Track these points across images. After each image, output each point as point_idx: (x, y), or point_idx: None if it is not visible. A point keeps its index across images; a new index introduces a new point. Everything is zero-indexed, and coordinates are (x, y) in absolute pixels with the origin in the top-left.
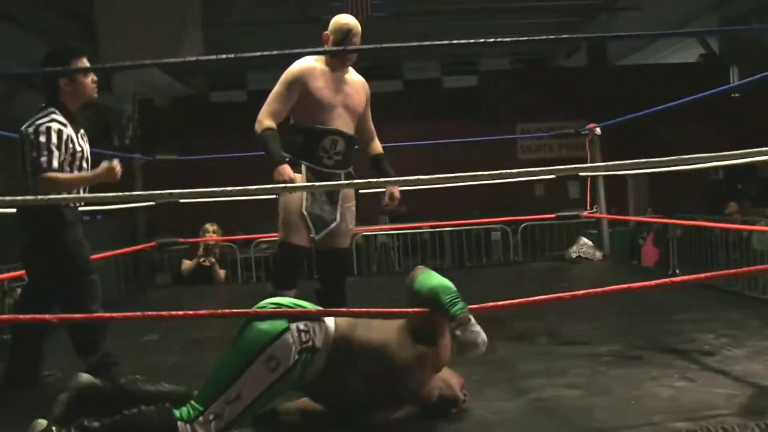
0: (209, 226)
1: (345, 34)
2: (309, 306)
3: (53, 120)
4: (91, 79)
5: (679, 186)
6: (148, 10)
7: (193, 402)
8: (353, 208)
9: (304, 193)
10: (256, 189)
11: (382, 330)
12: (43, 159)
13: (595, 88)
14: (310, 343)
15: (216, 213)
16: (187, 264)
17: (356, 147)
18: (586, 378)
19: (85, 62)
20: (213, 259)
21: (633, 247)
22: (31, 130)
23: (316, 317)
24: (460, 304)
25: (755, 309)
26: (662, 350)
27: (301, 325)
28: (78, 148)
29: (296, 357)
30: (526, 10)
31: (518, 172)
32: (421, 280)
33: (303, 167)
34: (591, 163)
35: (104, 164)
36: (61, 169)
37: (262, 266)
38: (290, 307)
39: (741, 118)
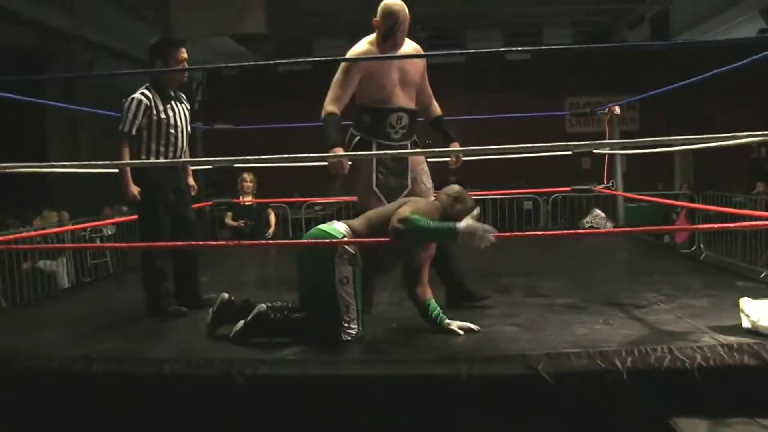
0: (246, 175)
1: (393, 22)
2: (340, 229)
3: (140, 92)
4: (182, 66)
5: (723, 164)
6: None
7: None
8: (426, 169)
9: (374, 171)
10: (295, 157)
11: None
12: (121, 124)
13: (649, 63)
14: (351, 253)
15: (277, 175)
16: (228, 217)
17: (419, 118)
18: (530, 320)
19: (182, 53)
20: (251, 199)
21: (666, 222)
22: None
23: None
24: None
25: (708, 274)
26: (606, 303)
27: (341, 249)
28: (162, 116)
29: (352, 268)
30: None
31: (533, 147)
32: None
33: (374, 144)
34: (609, 139)
35: (129, 192)
36: (137, 133)
37: (313, 226)
38: (330, 234)
39: None
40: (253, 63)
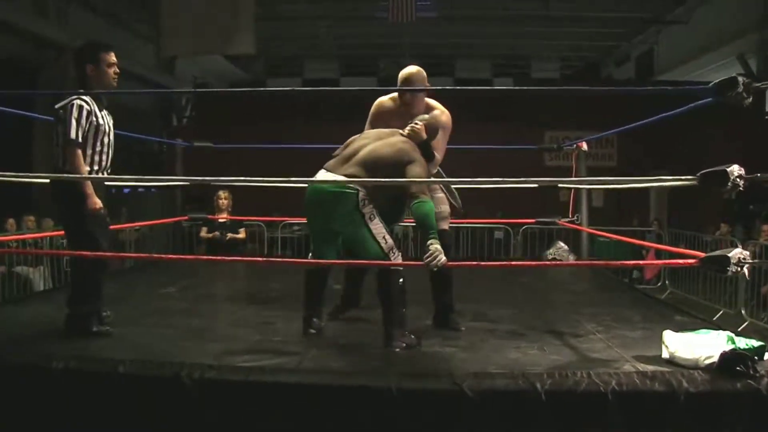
0: (221, 193)
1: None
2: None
3: (77, 98)
4: (113, 70)
5: (697, 202)
6: (206, 6)
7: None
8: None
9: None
10: (260, 180)
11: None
12: (68, 130)
13: (630, 99)
14: (365, 194)
15: (255, 193)
16: (203, 231)
17: None
18: (469, 343)
19: (112, 56)
20: (225, 216)
21: (635, 258)
22: (58, 106)
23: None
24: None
25: (652, 309)
26: (545, 330)
27: (359, 193)
28: (100, 122)
29: (371, 205)
30: (577, 19)
31: (502, 180)
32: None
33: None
34: (574, 175)
35: (93, 203)
36: (83, 140)
37: (288, 245)
38: (342, 187)
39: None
40: (230, 90)
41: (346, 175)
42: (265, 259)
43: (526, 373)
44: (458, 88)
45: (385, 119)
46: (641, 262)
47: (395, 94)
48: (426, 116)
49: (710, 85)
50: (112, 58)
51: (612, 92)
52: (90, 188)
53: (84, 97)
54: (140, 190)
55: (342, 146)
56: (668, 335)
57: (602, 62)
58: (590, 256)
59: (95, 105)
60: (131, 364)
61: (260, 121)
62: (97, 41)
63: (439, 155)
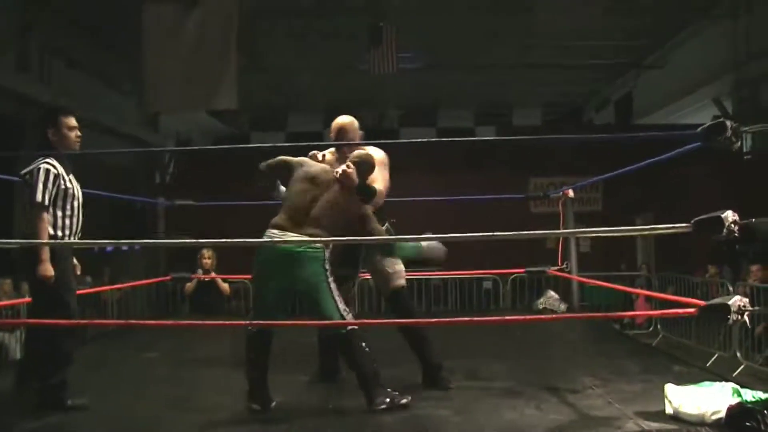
0: (205, 251)
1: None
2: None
3: (43, 162)
4: (75, 134)
5: (685, 244)
6: (188, 62)
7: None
8: None
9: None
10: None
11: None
12: (34, 194)
13: (614, 145)
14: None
15: (241, 250)
16: (189, 286)
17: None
18: (463, 404)
19: (72, 120)
20: (212, 273)
21: (626, 302)
22: (24, 172)
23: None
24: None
25: (649, 358)
26: (542, 387)
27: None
28: (69, 185)
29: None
30: (554, 66)
31: (484, 236)
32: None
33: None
34: (562, 223)
35: (45, 270)
36: (51, 204)
37: None
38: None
39: (752, 179)
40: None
41: (308, 236)
42: (243, 322)
43: None
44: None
45: None
46: (639, 313)
47: (333, 149)
48: (355, 153)
49: (698, 130)
50: (73, 121)
51: (600, 139)
52: (46, 254)
53: (50, 161)
54: (124, 248)
55: (272, 164)
56: (671, 389)
57: (583, 108)
58: (580, 303)
59: (62, 168)
60: None
61: (244, 176)
62: (58, 106)
63: (381, 186)
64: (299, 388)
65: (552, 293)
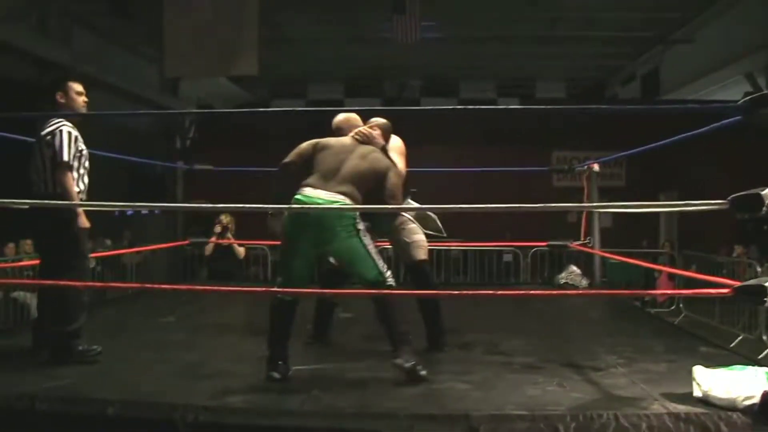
0: (222, 217)
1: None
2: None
3: (64, 124)
4: (82, 99)
5: (708, 222)
6: (209, 27)
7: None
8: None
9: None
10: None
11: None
12: (60, 153)
13: (638, 119)
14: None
15: (260, 215)
16: (208, 248)
17: None
18: (483, 378)
19: (79, 86)
20: (229, 235)
21: (648, 279)
22: (45, 132)
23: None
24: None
25: (674, 338)
26: (563, 364)
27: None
28: (82, 147)
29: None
30: (580, 39)
31: (507, 207)
32: None
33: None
34: (586, 197)
35: (83, 222)
36: (72, 161)
37: None
38: (335, 201)
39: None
40: (227, 111)
41: (339, 193)
42: (261, 289)
43: (548, 414)
44: (464, 107)
45: None
46: (666, 291)
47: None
48: (379, 120)
49: (740, 102)
50: (79, 87)
51: (633, 111)
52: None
53: (68, 123)
54: (144, 212)
55: (296, 154)
56: (699, 371)
57: (607, 82)
58: (602, 279)
59: (76, 130)
60: (121, 405)
61: (264, 142)
62: (65, 73)
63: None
64: (316, 357)
65: (574, 268)
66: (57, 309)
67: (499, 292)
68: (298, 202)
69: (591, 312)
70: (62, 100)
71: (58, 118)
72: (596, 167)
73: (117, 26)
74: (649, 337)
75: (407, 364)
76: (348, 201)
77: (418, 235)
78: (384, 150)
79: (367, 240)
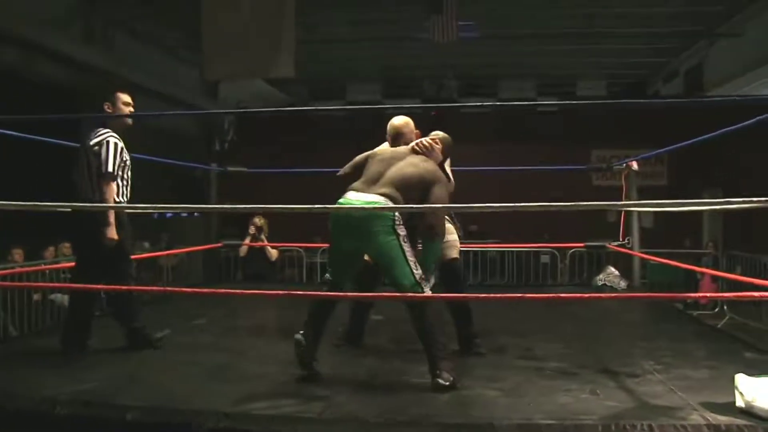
0: (256, 219)
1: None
2: (379, 199)
3: (111, 135)
4: (129, 109)
5: (755, 221)
6: (246, 29)
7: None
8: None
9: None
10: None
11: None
12: (105, 164)
13: (680, 116)
14: (400, 219)
15: (295, 217)
16: (243, 250)
17: None
18: (514, 384)
19: (126, 97)
20: (263, 237)
21: (689, 280)
22: (93, 143)
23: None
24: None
25: (716, 342)
26: (598, 369)
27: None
28: (126, 157)
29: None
30: (621, 35)
31: (543, 206)
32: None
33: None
34: (625, 196)
35: (112, 234)
36: (116, 172)
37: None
38: (376, 202)
39: None
40: (260, 110)
41: (379, 194)
42: (292, 292)
43: (578, 424)
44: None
45: None
46: (710, 294)
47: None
48: (440, 133)
49: None
50: (127, 98)
51: (698, 104)
52: (113, 218)
53: (115, 134)
54: (183, 214)
55: (351, 165)
56: (743, 380)
57: (649, 79)
58: (641, 280)
59: (121, 141)
60: (140, 411)
61: (302, 144)
62: (115, 83)
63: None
64: (344, 360)
65: (612, 269)
66: (126, 309)
67: (528, 296)
68: (336, 211)
69: (629, 314)
70: (109, 110)
71: (104, 127)
72: (635, 165)
73: (158, 31)
74: (689, 341)
75: (447, 382)
76: (387, 202)
77: (451, 234)
78: (441, 166)
79: (406, 246)
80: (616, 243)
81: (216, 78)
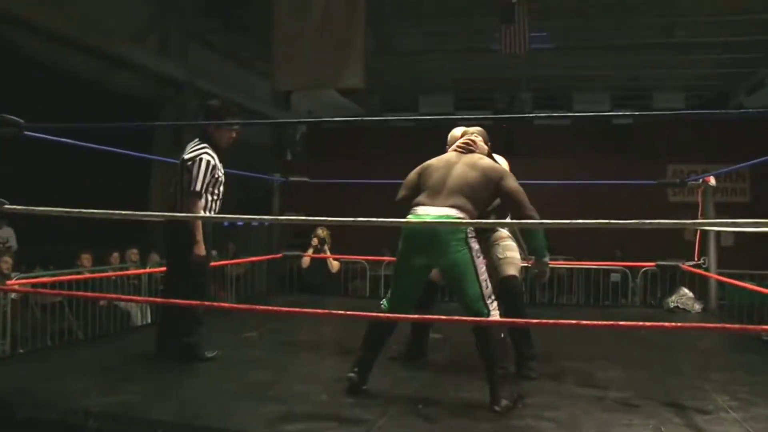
0: (319, 230)
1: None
2: (454, 213)
3: (205, 152)
4: (232, 135)
5: None
6: (316, 40)
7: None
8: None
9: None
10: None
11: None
12: (194, 182)
13: (764, 130)
14: (473, 232)
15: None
16: (305, 261)
17: None
18: (571, 416)
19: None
20: (326, 248)
21: None
22: (187, 158)
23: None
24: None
25: None
26: (664, 402)
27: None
28: (219, 174)
29: (478, 245)
30: (704, 45)
31: (610, 223)
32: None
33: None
34: (701, 213)
35: (199, 250)
36: (204, 190)
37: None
38: (451, 217)
39: None
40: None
41: (449, 206)
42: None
43: None
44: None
45: None
46: None
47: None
48: (471, 128)
49: None
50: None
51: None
52: (200, 235)
53: (210, 151)
54: (254, 224)
55: (406, 187)
56: None
57: (731, 91)
58: (719, 302)
59: (216, 158)
60: (170, 426)
61: (372, 155)
62: (228, 106)
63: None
64: (395, 379)
65: (686, 291)
66: (179, 322)
67: (585, 323)
68: (409, 225)
69: (703, 341)
70: (213, 131)
71: (203, 141)
72: (712, 180)
73: (231, 42)
74: (765, 374)
75: (503, 408)
76: (459, 214)
77: (512, 252)
78: (490, 155)
79: (479, 262)
80: (690, 263)
81: (285, 88)
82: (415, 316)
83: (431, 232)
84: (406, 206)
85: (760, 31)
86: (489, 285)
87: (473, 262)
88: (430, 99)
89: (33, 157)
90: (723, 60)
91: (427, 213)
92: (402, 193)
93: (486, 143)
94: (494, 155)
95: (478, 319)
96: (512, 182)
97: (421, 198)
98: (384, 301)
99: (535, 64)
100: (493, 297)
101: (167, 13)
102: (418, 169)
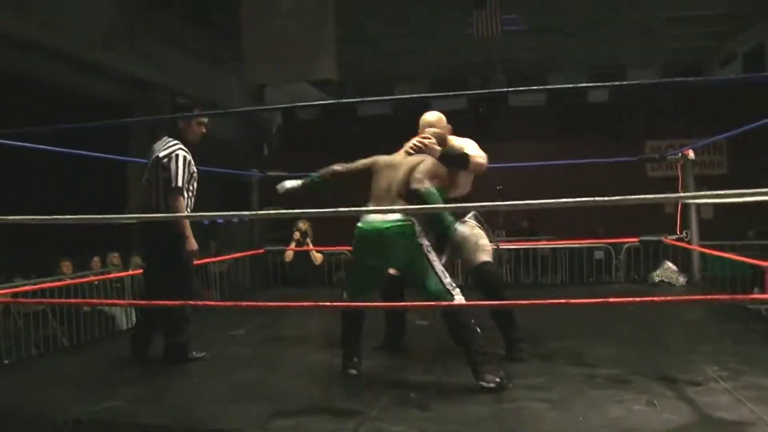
0: (301, 224)
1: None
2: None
3: (179, 148)
4: (202, 129)
5: None
6: (286, 33)
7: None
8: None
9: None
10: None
11: None
12: (174, 178)
13: (740, 103)
14: (421, 229)
15: (346, 220)
16: (288, 255)
17: None
18: (563, 395)
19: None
20: (309, 241)
21: (755, 274)
22: (162, 155)
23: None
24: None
25: None
26: (655, 377)
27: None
28: (194, 170)
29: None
30: (675, 20)
31: (594, 201)
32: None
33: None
34: (681, 186)
35: (192, 245)
36: (184, 185)
37: None
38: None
39: None
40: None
41: (395, 212)
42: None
43: None
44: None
45: None
46: None
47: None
48: (434, 127)
49: None
50: (204, 118)
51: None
52: (189, 230)
53: (183, 147)
54: (234, 220)
55: (351, 169)
56: None
57: (705, 64)
58: (702, 273)
59: (189, 154)
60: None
61: (348, 147)
62: (196, 101)
63: (474, 152)
64: (383, 369)
65: (669, 264)
66: (165, 323)
67: (572, 302)
68: (360, 229)
69: (690, 313)
70: (183, 126)
71: (174, 138)
72: (691, 154)
73: (204, 42)
74: (758, 342)
75: (492, 384)
76: (403, 219)
77: (482, 238)
78: (447, 137)
79: (432, 256)
80: (672, 237)
81: (258, 82)
82: (386, 303)
83: (382, 237)
84: (336, 178)
85: (732, 4)
86: (446, 274)
87: (426, 257)
88: (406, 88)
89: (3, 164)
90: (695, 34)
91: (374, 220)
92: (338, 168)
93: (444, 138)
94: (457, 137)
95: (451, 303)
96: (427, 164)
97: (370, 200)
98: (345, 294)
99: (508, 47)
100: (453, 284)
101: (138, 16)
102: (368, 162)
